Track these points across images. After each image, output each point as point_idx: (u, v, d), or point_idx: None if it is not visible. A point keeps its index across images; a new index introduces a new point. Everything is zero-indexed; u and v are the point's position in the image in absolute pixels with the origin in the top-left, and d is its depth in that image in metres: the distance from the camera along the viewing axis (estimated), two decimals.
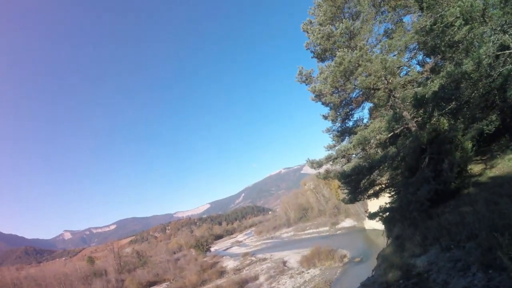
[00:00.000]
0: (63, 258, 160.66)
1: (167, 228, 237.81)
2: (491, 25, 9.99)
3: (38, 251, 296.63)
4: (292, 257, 38.71)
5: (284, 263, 37.05)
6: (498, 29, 10.00)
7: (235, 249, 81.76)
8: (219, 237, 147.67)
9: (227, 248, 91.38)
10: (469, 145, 12.59)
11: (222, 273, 43.11)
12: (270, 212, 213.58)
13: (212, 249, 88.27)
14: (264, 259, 44.40)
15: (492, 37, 10.19)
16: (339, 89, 15.66)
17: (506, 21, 9.82)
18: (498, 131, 14.52)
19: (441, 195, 12.95)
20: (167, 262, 58.35)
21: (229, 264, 50.25)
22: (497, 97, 13.15)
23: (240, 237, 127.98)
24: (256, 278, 33.12)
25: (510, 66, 10.50)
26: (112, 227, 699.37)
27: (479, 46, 10.49)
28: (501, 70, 10.84)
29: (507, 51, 10.56)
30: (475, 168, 14.40)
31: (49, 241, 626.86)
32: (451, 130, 12.73)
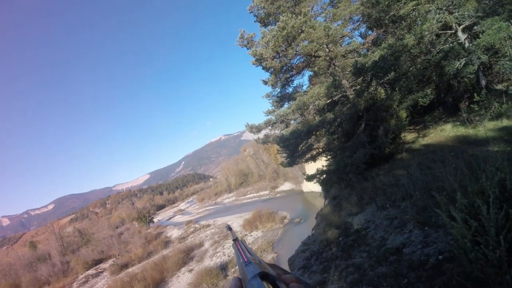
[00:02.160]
0: (5, 247, 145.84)
1: (107, 202, 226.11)
2: (437, 4, 10.46)
3: None
4: (235, 222, 39.46)
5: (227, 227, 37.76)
6: (444, 8, 10.56)
7: (178, 218, 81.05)
8: (161, 207, 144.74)
9: (170, 218, 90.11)
10: (404, 114, 13.56)
11: (167, 243, 42.67)
12: (211, 179, 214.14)
13: (155, 219, 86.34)
14: (208, 225, 44.73)
15: (436, 16, 10.77)
16: (281, 54, 15.49)
17: (452, 2, 10.39)
18: (432, 104, 15.75)
19: (376, 159, 13.93)
20: (110, 237, 55.91)
21: (174, 233, 49.88)
22: (434, 73, 14.17)
23: (182, 205, 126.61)
24: (201, 244, 33.41)
25: (451, 44, 11.32)
26: (50, 206, 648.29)
27: (422, 23, 11.02)
28: (441, 47, 11.63)
29: (448, 31, 11.33)
30: (409, 136, 15.54)
31: None
32: (388, 99, 13.53)
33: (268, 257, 21.62)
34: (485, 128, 11.73)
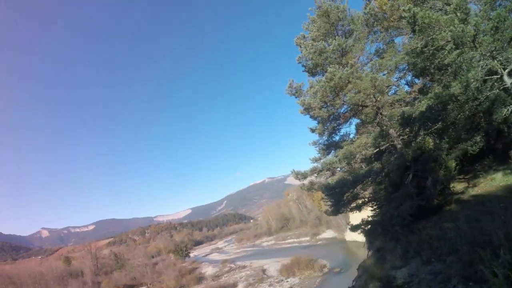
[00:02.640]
0: (39, 257, 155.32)
1: (146, 231, 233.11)
2: (480, 51, 10.50)
3: (14, 248, 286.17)
4: (272, 266, 38.73)
5: (264, 271, 37.02)
6: (487, 54, 10.54)
7: (215, 256, 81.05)
8: (199, 243, 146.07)
9: (207, 255, 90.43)
10: (452, 164, 13.08)
11: (200, 279, 42.69)
12: (251, 221, 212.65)
13: (191, 254, 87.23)
14: (244, 267, 44.24)
15: (481, 62, 10.75)
16: (328, 104, 15.91)
17: (495, 47, 10.37)
18: (482, 152, 15.05)
19: (424, 211, 13.31)
20: (145, 266, 57.37)
21: (208, 270, 49.84)
22: (482, 120, 13.73)
23: (220, 244, 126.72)
24: (235, 285, 33.04)
25: (497, 90, 11.08)
26: (91, 227, 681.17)
27: (468, 70, 11.03)
28: (488, 94, 11.41)
29: (494, 76, 11.15)
30: (458, 186, 14.86)
31: (25, 238, 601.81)
32: (436, 149, 13.21)
33: None
34: None
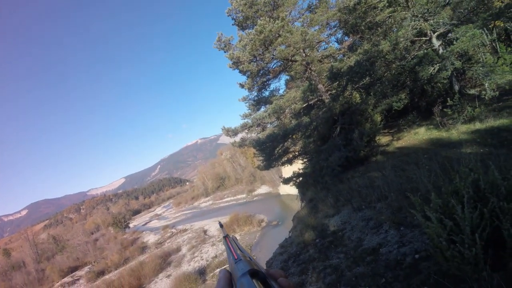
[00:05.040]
0: None
1: (81, 207, 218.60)
2: (413, 11, 10.82)
3: None
4: (212, 226, 39.31)
5: (205, 232, 37.42)
6: (419, 16, 10.93)
7: (155, 223, 79.57)
8: (137, 212, 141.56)
9: (146, 223, 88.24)
10: (378, 117, 13.92)
11: (143, 248, 41.91)
12: (187, 183, 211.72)
13: (131, 225, 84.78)
14: (185, 230, 44.18)
15: (412, 23, 11.13)
16: (258, 58, 15.62)
17: (428, 10, 10.77)
18: (406, 108, 16.26)
19: (351, 162, 14.20)
20: (85, 244, 54.10)
21: (150, 238, 49.01)
22: (408, 78, 14.65)
23: (158, 210, 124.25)
24: (178, 249, 33.00)
25: (425, 50, 11.71)
26: (24, 212, 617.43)
27: (398, 30, 11.38)
28: (416, 53, 12.03)
29: (423, 38, 11.74)
30: (384, 139, 15.91)
31: None
32: (363, 103, 13.86)
33: None
34: (458, 131, 12.17)
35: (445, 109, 13.40)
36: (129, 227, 77.97)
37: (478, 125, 11.77)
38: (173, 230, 48.94)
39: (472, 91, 12.77)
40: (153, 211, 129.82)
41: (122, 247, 45.78)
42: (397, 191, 7.48)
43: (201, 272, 22.29)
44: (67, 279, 40.40)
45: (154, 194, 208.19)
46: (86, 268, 42.48)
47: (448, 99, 12.92)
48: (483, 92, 12.24)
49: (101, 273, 35.73)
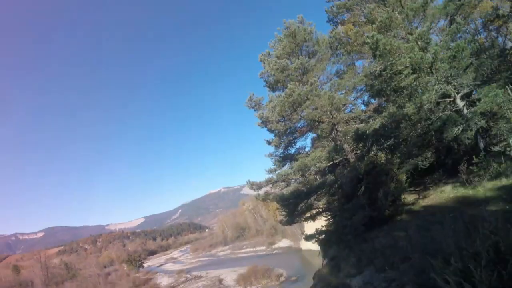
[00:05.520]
0: None
1: (98, 240, 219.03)
2: (436, 76, 11.49)
3: None
4: (229, 275, 38.43)
5: (220, 281, 36.66)
6: (443, 80, 11.58)
7: (170, 266, 78.40)
8: (153, 252, 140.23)
9: (161, 265, 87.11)
10: (403, 177, 13.97)
11: None
12: (207, 230, 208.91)
13: (145, 265, 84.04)
14: (200, 277, 43.39)
15: (436, 86, 11.75)
16: (286, 118, 16.39)
17: (451, 74, 11.43)
18: (432, 166, 16.21)
19: (375, 221, 13.97)
20: (97, 276, 54.02)
21: (163, 281, 48.29)
22: (433, 138, 14.84)
23: (175, 253, 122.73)
24: None
25: (449, 112, 12.14)
26: (40, 234, 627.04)
27: (422, 93, 11.99)
28: (440, 114, 12.45)
29: (448, 99, 12.25)
30: (409, 197, 15.67)
31: None
32: (388, 164, 14.11)
33: None
34: (484, 188, 11.88)
35: (470, 167, 13.29)
36: (143, 267, 77.15)
37: (504, 181, 11.50)
38: (188, 275, 48.06)
39: (497, 148, 12.72)
40: (169, 253, 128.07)
41: (134, 285, 45.43)
42: (421, 252, 7.45)
43: None
44: None
45: (172, 237, 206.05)
46: None
47: (474, 156, 12.90)
48: (508, 148, 12.20)
49: None
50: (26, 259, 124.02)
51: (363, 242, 12.72)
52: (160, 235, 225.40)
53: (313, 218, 17.70)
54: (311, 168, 15.92)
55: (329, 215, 17.70)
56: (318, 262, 20.97)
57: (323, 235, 16.77)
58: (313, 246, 27.49)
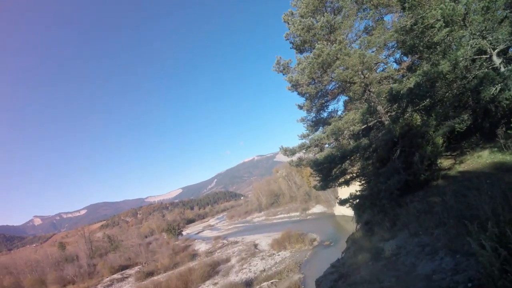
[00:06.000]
0: (34, 245, 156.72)
1: (138, 212, 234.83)
2: (470, 30, 10.51)
3: (8, 238, 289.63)
4: (263, 241, 39.72)
5: (256, 246, 37.98)
6: (477, 34, 10.57)
7: (207, 233, 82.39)
8: (191, 221, 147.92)
9: (199, 232, 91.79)
10: (440, 140, 13.31)
11: (194, 256, 43.59)
12: (242, 198, 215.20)
13: (184, 233, 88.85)
14: (236, 242, 45.18)
15: (470, 41, 10.79)
16: (316, 81, 15.92)
17: (485, 27, 10.40)
18: (469, 130, 15.27)
19: (411, 186, 13.65)
20: (138, 246, 58.16)
21: (201, 247, 50.86)
22: (470, 98, 13.87)
23: (212, 221, 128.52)
24: (228, 260, 33.86)
25: (486, 69, 11.17)
26: (83, 212, 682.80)
27: (457, 49, 11.06)
28: (476, 73, 11.50)
29: (483, 56, 11.23)
30: (445, 162, 15.10)
31: (19, 227, 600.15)
32: (423, 126, 13.40)
33: (295, 278, 21.87)
34: None
35: (509, 131, 12.40)
36: (182, 235, 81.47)
37: None
38: (225, 241, 50.18)
39: None
40: (206, 221, 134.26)
41: (173, 252, 48.03)
42: (456, 217, 7.21)
43: (248, 284, 22.86)
44: (116, 275, 43.29)
45: (208, 206, 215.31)
46: (136, 268, 45.08)
47: None
48: None
49: (150, 274, 37.58)
50: (70, 236, 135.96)
51: (398, 207, 12.54)
52: (197, 204, 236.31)
53: (347, 183, 17.54)
54: (345, 131, 15.66)
55: (363, 180, 17.54)
56: (352, 227, 21.08)
57: (357, 200, 16.65)
58: (347, 211, 27.56)
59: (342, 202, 17.50)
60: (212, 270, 30.42)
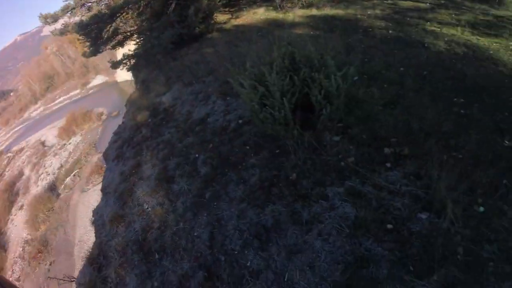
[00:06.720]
0: None
1: None
2: None
3: None
4: (49, 134, 35.14)
5: (43, 143, 33.36)
6: None
7: None
8: None
9: None
10: None
11: None
12: (12, 94, 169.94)
13: None
14: (22, 149, 37.97)
15: None
16: None
17: None
18: None
19: (185, 39, 13.72)
20: None
21: None
22: None
23: None
24: (21, 174, 28.86)
25: None
26: None
27: None
28: None
29: None
30: (222, 17, 15.64)
31: None
32: None
33: (94, 159, 21.24)
34: (295, 14, 12.73)
35: None
36: None
37: (314, 11, 12.51)
38: (9, 154, 41.21)
39: None
40: None
41: None
42: (226, 65, 7.70)
43: (52, 188, 21.06)
44: None
45: None
46: None
47: None
48: None
49: None
50: None
51: (173, 60, 12.47)
52: None
53: (121, 44, 16.20)
54: None
55: (138, 39, 16.46)
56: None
57: (133, 60, 15.82)
58: (129, 75, 26.66)
59: (115, 65, 16.29)
60: (11, 194, 25.37)
